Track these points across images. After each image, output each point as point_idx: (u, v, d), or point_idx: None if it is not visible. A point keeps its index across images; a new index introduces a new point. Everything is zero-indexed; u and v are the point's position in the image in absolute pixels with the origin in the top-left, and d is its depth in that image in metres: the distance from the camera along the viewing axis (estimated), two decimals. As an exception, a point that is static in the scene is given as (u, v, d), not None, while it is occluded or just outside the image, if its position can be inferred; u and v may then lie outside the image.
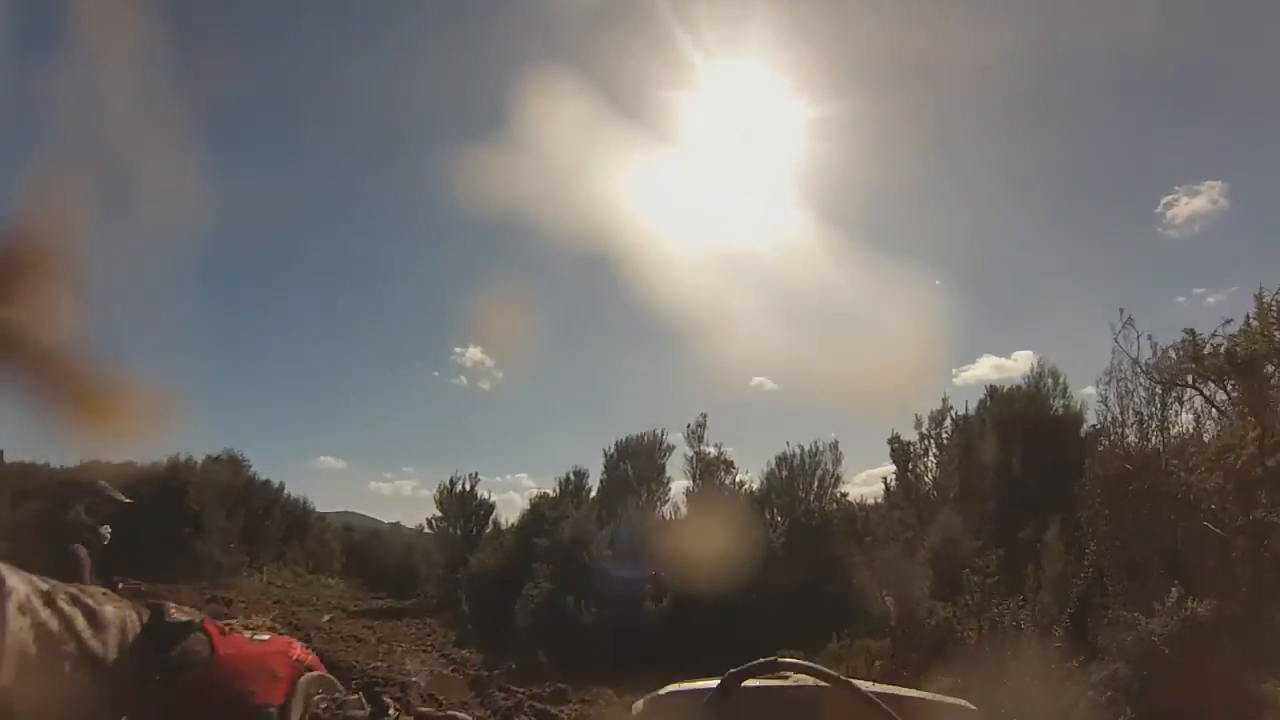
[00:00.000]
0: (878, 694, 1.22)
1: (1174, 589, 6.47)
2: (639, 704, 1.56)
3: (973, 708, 1.57)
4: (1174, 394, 8.30)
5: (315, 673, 1.05)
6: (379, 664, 12.29)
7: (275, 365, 60.87)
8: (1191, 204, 38.91)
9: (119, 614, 0.91)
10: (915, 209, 41.14)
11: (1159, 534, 7.56)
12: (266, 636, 1.05)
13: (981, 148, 42.42)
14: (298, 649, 1.06)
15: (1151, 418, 8.41)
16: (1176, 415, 8.40)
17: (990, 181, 41.74)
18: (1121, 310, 8.39)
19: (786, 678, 1.30)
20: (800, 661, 1.27)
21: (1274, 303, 7.22)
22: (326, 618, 16.64)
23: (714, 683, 1.24)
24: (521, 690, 9.65)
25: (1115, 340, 8.37)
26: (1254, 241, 31.81)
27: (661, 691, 1.51)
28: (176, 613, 0.97)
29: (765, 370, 36.51)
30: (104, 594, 0.92)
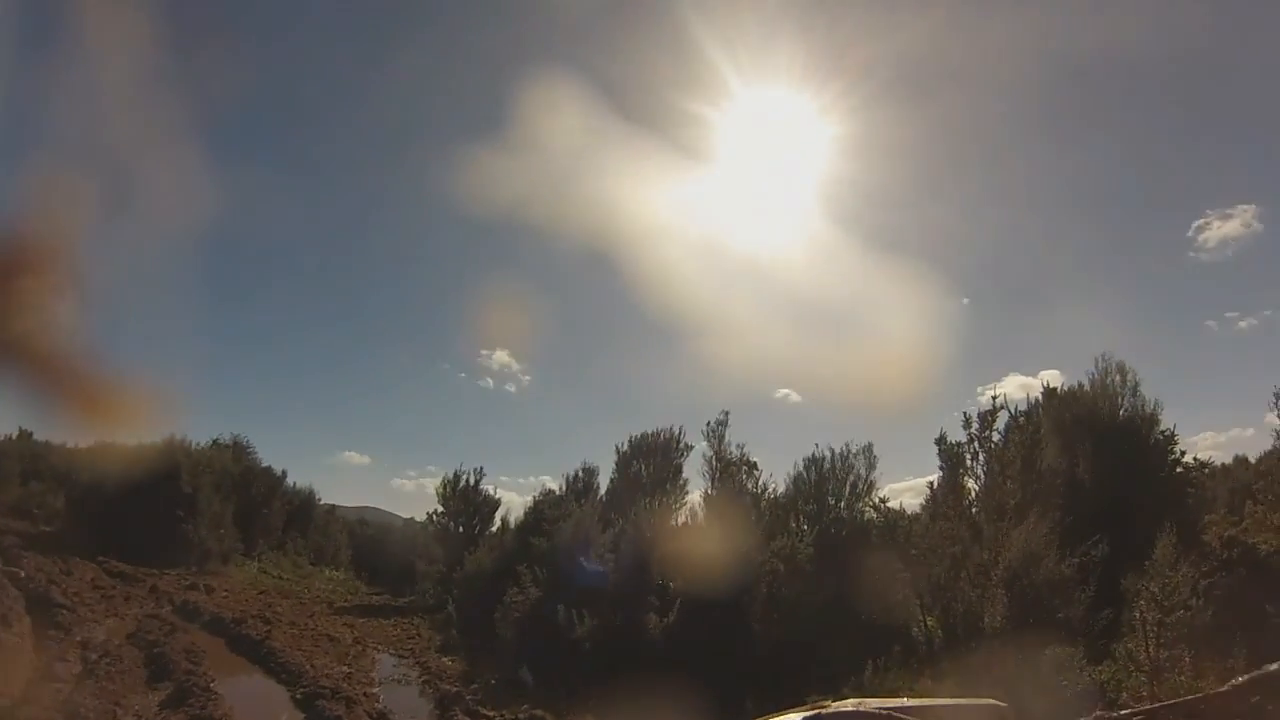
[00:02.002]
0: (909, 707, 1.41)
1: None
2: None
3: (1003, 704, 1.55)
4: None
5: None
6: (345, 669, 10.86)
7: (301, 363, 60.85)
8: (1224, 227, 36.52)
9: None
10: (942, 227, 39.40)
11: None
12: None
13: (1011, 166, 40.46)
14: None
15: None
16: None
17: (1019, 200, 39.67)
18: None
19: None
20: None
21: None
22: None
23: None
24: (493, 715, 8.08)
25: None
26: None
27: None
28: None
29: (791, 382, 34.71)
30: None
